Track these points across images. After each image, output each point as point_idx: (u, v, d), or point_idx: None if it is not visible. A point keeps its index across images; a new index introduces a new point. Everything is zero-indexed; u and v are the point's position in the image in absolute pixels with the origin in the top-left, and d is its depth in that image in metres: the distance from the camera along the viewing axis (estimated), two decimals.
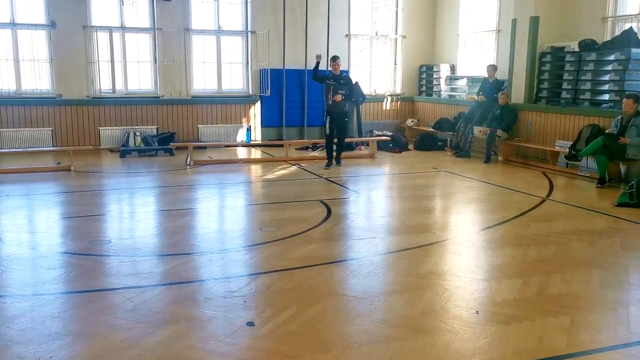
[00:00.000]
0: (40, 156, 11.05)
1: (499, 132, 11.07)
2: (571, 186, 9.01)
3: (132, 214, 7.35)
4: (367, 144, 12.57)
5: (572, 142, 9.72)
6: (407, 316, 3.99)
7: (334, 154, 10.48)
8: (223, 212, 7.48)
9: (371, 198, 8.28)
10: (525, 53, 11.10)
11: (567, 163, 9.92)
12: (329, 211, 7.02)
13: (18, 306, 4.08)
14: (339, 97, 10.06)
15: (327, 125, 10.25)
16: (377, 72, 14.80)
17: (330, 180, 9.21)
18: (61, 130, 12.00)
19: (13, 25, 11.67)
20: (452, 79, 13.74)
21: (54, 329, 3.70)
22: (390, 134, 13.36)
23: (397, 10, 14.54)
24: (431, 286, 4.56)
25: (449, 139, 12.79)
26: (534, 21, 10.93)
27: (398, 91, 14.94)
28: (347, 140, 11.40)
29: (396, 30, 14.65)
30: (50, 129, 11.91)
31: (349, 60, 14.03)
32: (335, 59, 10.41)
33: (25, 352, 3.40)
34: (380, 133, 13.47)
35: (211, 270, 4.94)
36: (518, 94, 11.33)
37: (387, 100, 14.75)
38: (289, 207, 7.37)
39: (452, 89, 13.69)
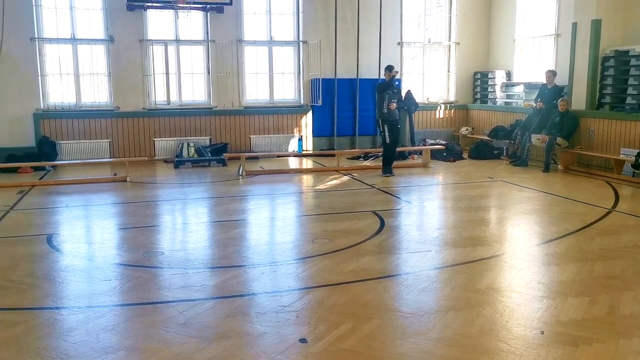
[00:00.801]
0: (98, 167, 11.35)
1: (559, 139, 10.65)
2: (638, 196, 8.53)
3: (184, 225, 7.40)
4: (420, 153, 12.36)
5: (638, 150, 9.23)
6: (466, 335, 3.80)
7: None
8: (275, 223, 7.43)
9: (425, 209, 8.06)
10: (586, 57, 10.65)
11: (634, 172, 9.43)
12: (382, 223, 6.87)
13: (73, 318, 4.12)
14: (394, 105, 10.21)
15: (387, 133, 10.31)
16: (429, 79, 14.56)
17: (383, 191, 9.05)
18: (118, 141, 12.31)
19: (74, 40, 12.08)
20: (508, 85, 13.36)
21: (107, 342, 3.70)
22: (443, 142, 13.10)
23: (450, 16, 14.27)
24: (490, 303, 4.35)
25: (505, 148, 12.41)
26: (596, 24, 10.48)
27: (451, 99, 14.64)
28: (399, 149, 11.27)
29: (449, 37, 14.38)
30: (108, 140, 12.24)
31: (401, 68, 13.87)
32: (391, 68, 10.45)
33: None
34: (433, 142, 13.22)
35: (263, 284, 4.87)
36: (579, 100, 10.88)
37: (440, 109, 14.48)
38: (341, 218, 7.26)
39: (508, 96, 13.31)
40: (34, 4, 11.62)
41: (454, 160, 12.20)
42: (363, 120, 13.51)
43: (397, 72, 10.49)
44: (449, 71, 14.57)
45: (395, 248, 6.00)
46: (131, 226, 7.01)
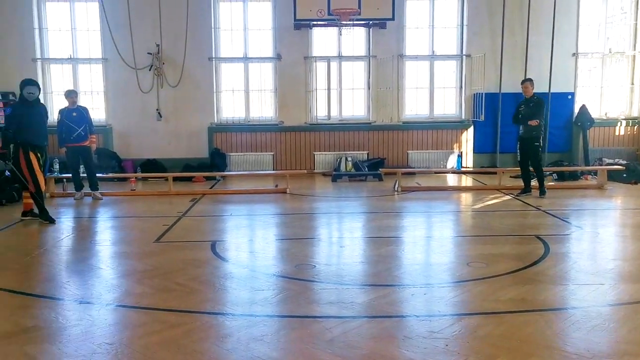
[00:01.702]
0: (262, 178, 11.98)
1: None
2: None
3: (338, 239, 7.45)
4: (595, 173, 11.31)
5: None
6: None
7: (536, 183, 9.89)
8: (429, 242, 7.19)
9: (599, 236, 7.25)
10: None
11: None
12: (547, 249, 6.31)
13: (228, 325, 4.28)
14: (535, 122, 9.46)
15: (518, 151, 9.96)
16: (609, 93, 13.28)
17: (549, 213, 8.35)
18: (281, 154, 12.90)
19: (246, 59, 12.93)
20: None
21: (255, 352, 3.77)
22: (623, 162, 11.83)
23: (636, 23, 12.91)
24: None
25: None
26: None
27: (635, 114, 13.23)
28: (570, 168, 10.38)
29: (634, 46, 13.00)
30: (272, 153, 12.88)
31: (575, 80, 12.89)
32: (523, 81, 9.86)
33: None
34: (611, 161, 12.01)
35: (413, 306, 4.68)
36: None
37: (620, 125, 13.13)
38: (500, 241, 6.81)
39: None
40: (212, 26, 12.66)
41: (636, 183, 10.96)
42: None
43: (526, 86, 9.71)
44: (632, 83, 13.19)
45: (560, 278, 5.44)
46: (287, 237, 7.23)
